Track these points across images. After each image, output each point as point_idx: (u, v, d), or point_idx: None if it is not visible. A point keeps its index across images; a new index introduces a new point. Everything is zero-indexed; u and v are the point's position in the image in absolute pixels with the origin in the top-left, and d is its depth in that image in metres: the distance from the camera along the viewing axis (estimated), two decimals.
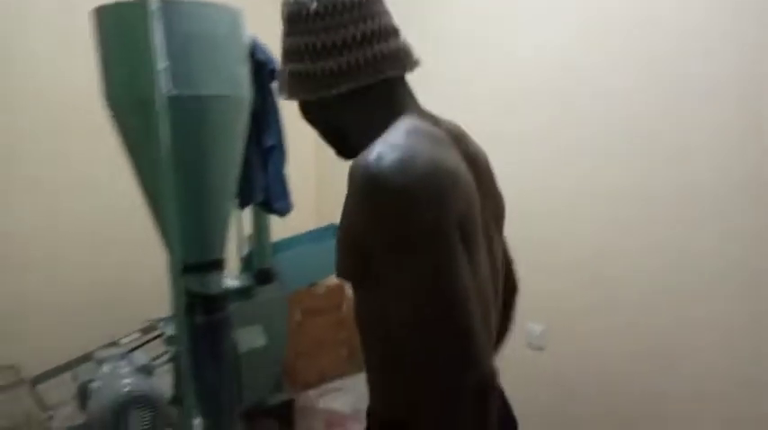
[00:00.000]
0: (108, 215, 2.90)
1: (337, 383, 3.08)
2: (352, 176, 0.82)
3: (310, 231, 2.91)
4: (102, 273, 2.92)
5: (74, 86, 2.74)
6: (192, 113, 1.66)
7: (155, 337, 2.63)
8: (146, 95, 1.58)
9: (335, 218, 3.04)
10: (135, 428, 2.25)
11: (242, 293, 2.58)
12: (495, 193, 1.03)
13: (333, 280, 3.24)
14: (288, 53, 0.94)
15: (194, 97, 1.65)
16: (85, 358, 2.50)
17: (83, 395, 2.31)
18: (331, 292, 3.16)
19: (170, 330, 2.50)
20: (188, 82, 1.63)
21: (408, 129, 0.86)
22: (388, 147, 0.81)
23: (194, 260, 1.84)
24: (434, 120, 0.97)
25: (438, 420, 0.76)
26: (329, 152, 1.06)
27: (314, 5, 0.89)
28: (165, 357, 2.61)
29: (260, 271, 2.58)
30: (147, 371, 2.43)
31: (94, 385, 2.31)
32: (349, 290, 3.25)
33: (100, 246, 2.91)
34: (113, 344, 2.53)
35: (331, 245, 2.80)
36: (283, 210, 2.35)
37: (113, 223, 2.92)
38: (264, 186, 2.31)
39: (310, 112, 0.97)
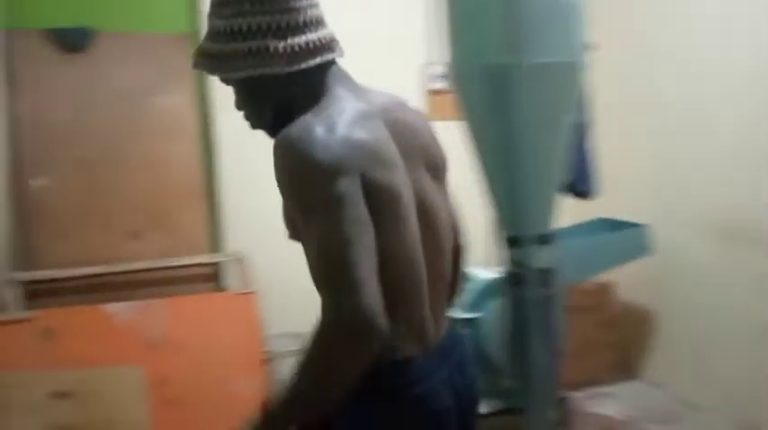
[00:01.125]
0: None
1: (605, 388, 2.86)
2: (275, 148, 0.97)
3: (578, 224, 2.74)
4: None
5: None
6: (545, 82, 1.62)
7: None
8: (500, 62, 1.59)
9: (600, 211, 2.89)
10: None
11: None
12: (429, 153, 1.13)
13: (600, 276, 3.04)
14: (241, 30, 1.00)
15: (548, 64, 1.61)
16: None
17: None
18: (597, 290, 2.95)
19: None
20: (542, 48, 1.60)
21: (329, 107, 1.00)
22: (304, 123, 0.97)
23: (526, 232, 1.80)
24: (363, 94, 1.08)
25: (315, 347, 0.94)
26: None
27: None
28: None
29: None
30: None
31: None
32: (617, 289, 3.02)
33: None
34: None
35: (602, 240, 2.64)
36: (589, 193, 2.21)
37: None
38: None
39: (250, 91, 1.06)
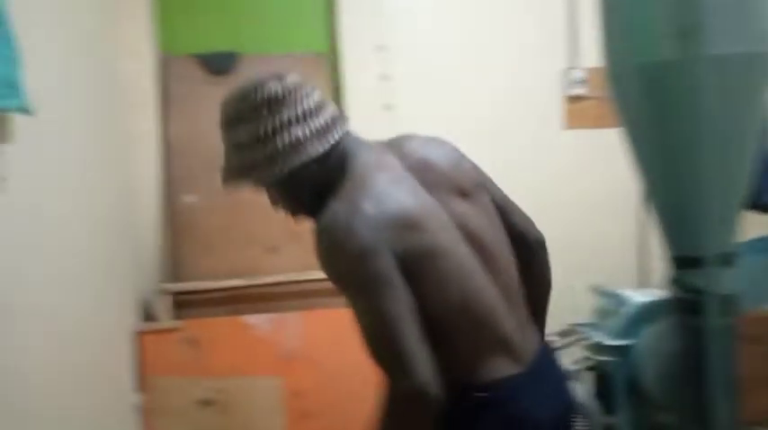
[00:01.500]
0: None
1: None
2: (314, 236, 1.08)
3: (758, 239, 2.42)
4: None
5: None
6: (727, 76, 1.43)
7: (574, 342, 2.49)
8: (670, 57, 1.42)
9: None
10: None
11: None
12: (453, 177, 1.16)
13: None
14: (267, 132, 1.05)
15: (730, 56, 1.42)
16: None
17: None
18: (761, 321, 2.59)
19: (596, 336, 2.32)
20: (724, 37, 1.41)
21: (354, 185, 1.06)
22: (332, 211, 1.05)
23: (705, 252, 1.58)
24: (380, 150, 1.15)
25: (385, 418, 1.06)
26: None
27: (276, 89, 1.06)
28: (583, 364, 2.45)
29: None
30: (574, 377, 2.29)
31: None
32: None
33: None
34: None
35: None
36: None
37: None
38: None
39: (288, 185, 1.11)
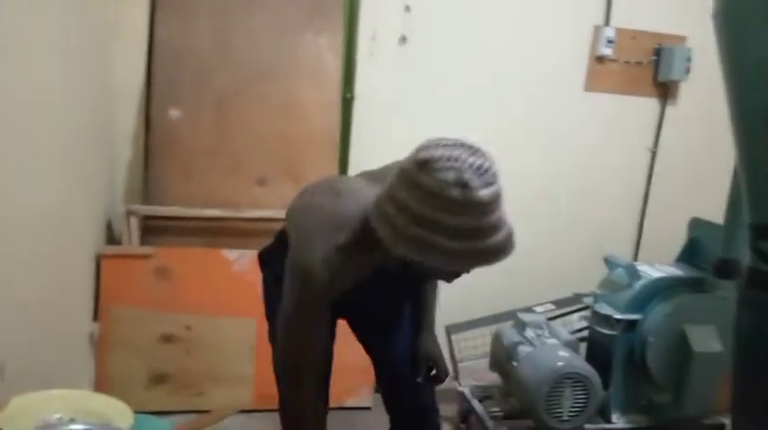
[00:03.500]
0: None
1: None
2: None
3: None
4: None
5: None
6: None
7: (576, 310, 2.38)
8: None
9: None
10: (565, 405, 2.01)
11: (692, 285, 2.16)
12: None
13: None
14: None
15: None
16: (502, 317, 2.35)
17: (510, 355, 2.14)
18: None
19: (601, 307, 2.21)
20: None
21: None
22: None
23: None
24: None
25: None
26: None
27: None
28: (582, 334, 2.34)
29: (721, 261, 2.11)
30: (573, 346, 2.18)
31: (522, 349, 2.13)
32: None
33: None
34: (528, 309, 2.34)
35: None
36: None
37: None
38: None
39: None
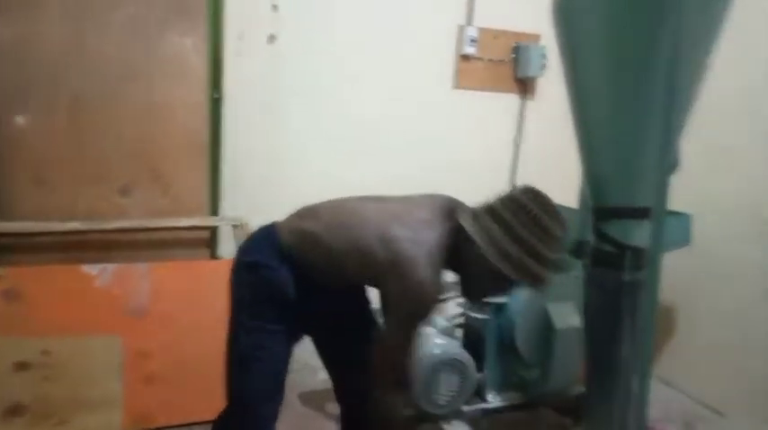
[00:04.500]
0: None
1: None
2: None
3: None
4: None
5: None
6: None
7: (448, 299, 2.43)
8: None
9: None
10: (442, 389, 2.06)
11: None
12: None
13: None
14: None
15: None
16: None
17: None
18: None
19: None
20: None
21: None
22: None
23: (620, 202, 1.54)
24: None
25: None
26: None
27: None
28: (459, 320, 2.41)
29: (577, 243, 2.26)
30: (450, 333, 2.24)
31: None
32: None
33: None
34: None
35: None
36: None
37: None
38: None
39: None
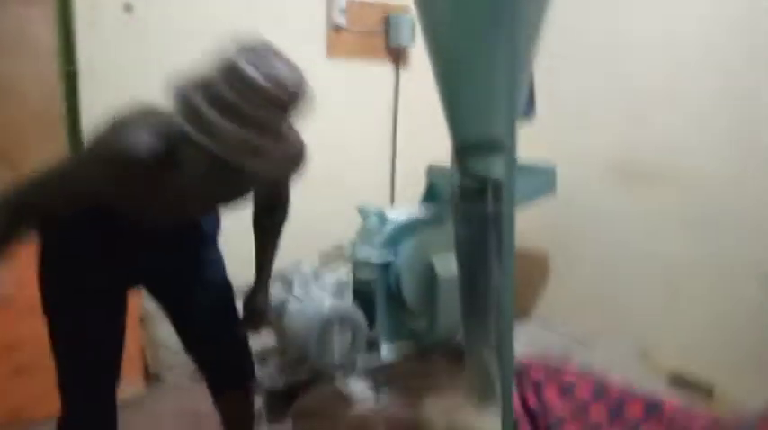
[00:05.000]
0: None
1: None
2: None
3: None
4: None
5: None
6: None
7: (338, 260, 2.47)
8: None
9: None
10: (336, 347, 2.09)
11: (433, 221, 2.40)
12: None
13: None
14: None
15: None
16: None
17: (279, 312, 2.16)
18: None
19: (360, 254, 2.34)
20: None
21: None
22: None
23: (478, 138, 1.63)
24: None
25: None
26: None
27: None
28: (348, 280, 2.45)
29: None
30: (341, 292, 2.27)
31: (291, 306, 2.16)
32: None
33: None
34: (294, 265, 2.37)
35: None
36: (530, 114, 2.09)
37: None
38: None
39: None
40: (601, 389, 1.84)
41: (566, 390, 1.88)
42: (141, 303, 2.30)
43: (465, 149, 1.66)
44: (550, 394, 1.88)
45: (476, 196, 1.63)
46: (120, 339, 1.46)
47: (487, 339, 1.70)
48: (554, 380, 1.92)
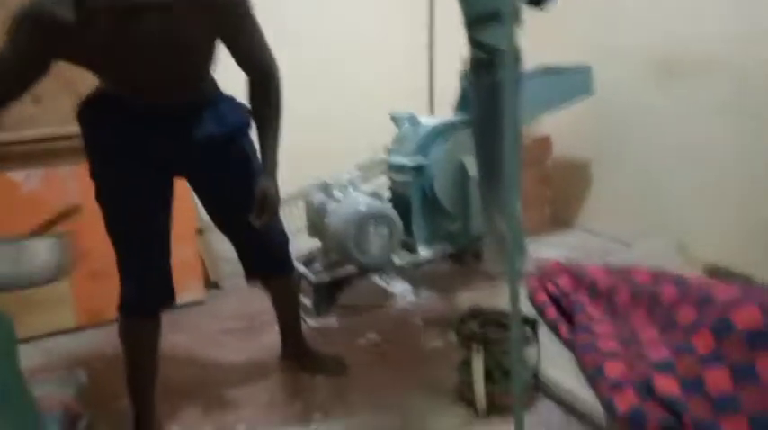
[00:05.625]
0: None
1: (544, 238, 2.94)
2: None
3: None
4: None
5: None
6: None
7: (376, 169, 2.57)
8: None
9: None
10: (373, 240, 2.21)
11: (465, 125, 2.45)
12: None
13: (539, 130, 3.07)
14: None
15: None
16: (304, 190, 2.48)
17: (320, 214, 2.30)
18: (536, 145, 2.98)
19: (395, 159, 2.44)
20: None
21: None
22: None
23: (485, 10, 1.67)
24: None
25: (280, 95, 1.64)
26: None
27: None
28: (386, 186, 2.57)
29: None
30: (377, 196, 2.39)
31: (330, 206, 2.29)
32: (556, 143, 3.05)
33: None
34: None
35: (548, 81, 2.60)
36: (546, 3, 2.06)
37: None
38: None
39: None
40: (618, 275, 1.93)
41: (580, 277, 2.00)
42: (196, 215, 2.49)
43: (474, 22, 1.73)
44: (564, 282, 2.01)
45: (486, 67, 1.70)
46: (164, 224, 1.65)
47: (499, 204, 1.80)
48: (567, 272, 2.05)
